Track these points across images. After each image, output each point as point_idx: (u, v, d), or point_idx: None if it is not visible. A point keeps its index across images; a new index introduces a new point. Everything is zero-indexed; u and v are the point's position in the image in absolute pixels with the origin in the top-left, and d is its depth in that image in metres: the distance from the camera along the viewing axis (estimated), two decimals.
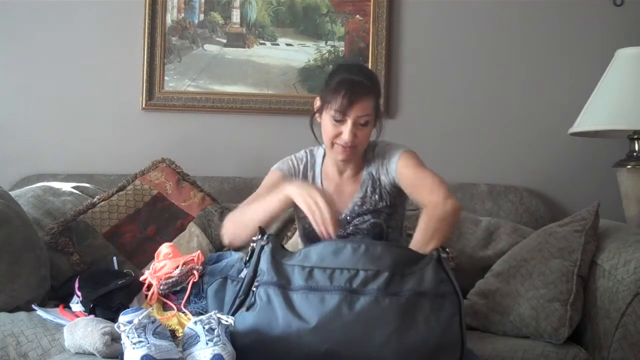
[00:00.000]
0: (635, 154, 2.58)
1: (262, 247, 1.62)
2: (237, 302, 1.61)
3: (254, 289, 1.58)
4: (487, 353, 1.81)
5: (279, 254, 1.62)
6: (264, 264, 1.59)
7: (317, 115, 1.92)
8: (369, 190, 1.92)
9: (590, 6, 2.91)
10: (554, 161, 2.89)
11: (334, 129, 1.85)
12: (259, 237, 1.65)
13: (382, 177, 1.92)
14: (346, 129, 1.83)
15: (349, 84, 1.83)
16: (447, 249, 1.64)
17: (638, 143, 2.59)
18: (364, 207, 1.91)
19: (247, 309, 1.57)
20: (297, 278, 1.56)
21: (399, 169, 1.88)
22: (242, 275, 1.66)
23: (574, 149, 2.87)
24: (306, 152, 2.02)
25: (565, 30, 2.91)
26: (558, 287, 1.98)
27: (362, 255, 1.57)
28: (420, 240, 1.69)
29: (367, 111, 1.83)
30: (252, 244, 1.65)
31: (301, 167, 1.98)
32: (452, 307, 1.55)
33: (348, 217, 1.92)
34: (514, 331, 2.00)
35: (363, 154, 1.95)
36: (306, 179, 1.96)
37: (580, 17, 2.91)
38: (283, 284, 1.55)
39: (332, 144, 1.87)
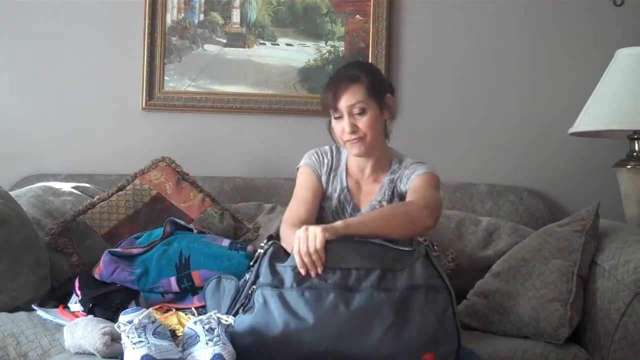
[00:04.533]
0: (635, 154, 2.58)
1: (265, 252, 1.63)
2: (238, 305, 1.61)
3: (251, 292, 1.59)
4: (487, 353, 1.81)
5: (276, 257, 1.63)
6: (263, 267, 1.60)
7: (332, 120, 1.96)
8: (387, 194, 1.96)
9: (590, 6, 2.91)
10: (554, 161, 2.89)
11: (338, 126, 1.91)
12: (265, 242, 1.66)
13: (400, 185, 1.96)
14: (344, 121, 1.88)
15: (333, 79, 1.92)
16: (435, 246, 1.65)
17: (638, 143, 2.59)
18: None
19: (245, 312, 1.57)
20: (290, 278, 1.56)
21: (414, 181, 1.91)
22: (246, 277, 1.67)
23: (574, 149, 2.86)
24: (331, 147, 2.05)
25: (565, 30, 2.91)
26: (558, 287, 1.97)
27: (351, 255, 1.59)
28: (370, 215, 1.80)
29: (356, 98, 1.86)
30: (258, 250, 1.66)
31: (326, 160, 2.01)
32: (445, 299, 1.57)
33: None
34: (514, 331, 2.00)
35: (389, 161, 1.98)
36: (332, 172, 2.00)
37: (580, 17, 2.91)
38: (277, 285, 1.56)
39: (344, 142, 1.92)
